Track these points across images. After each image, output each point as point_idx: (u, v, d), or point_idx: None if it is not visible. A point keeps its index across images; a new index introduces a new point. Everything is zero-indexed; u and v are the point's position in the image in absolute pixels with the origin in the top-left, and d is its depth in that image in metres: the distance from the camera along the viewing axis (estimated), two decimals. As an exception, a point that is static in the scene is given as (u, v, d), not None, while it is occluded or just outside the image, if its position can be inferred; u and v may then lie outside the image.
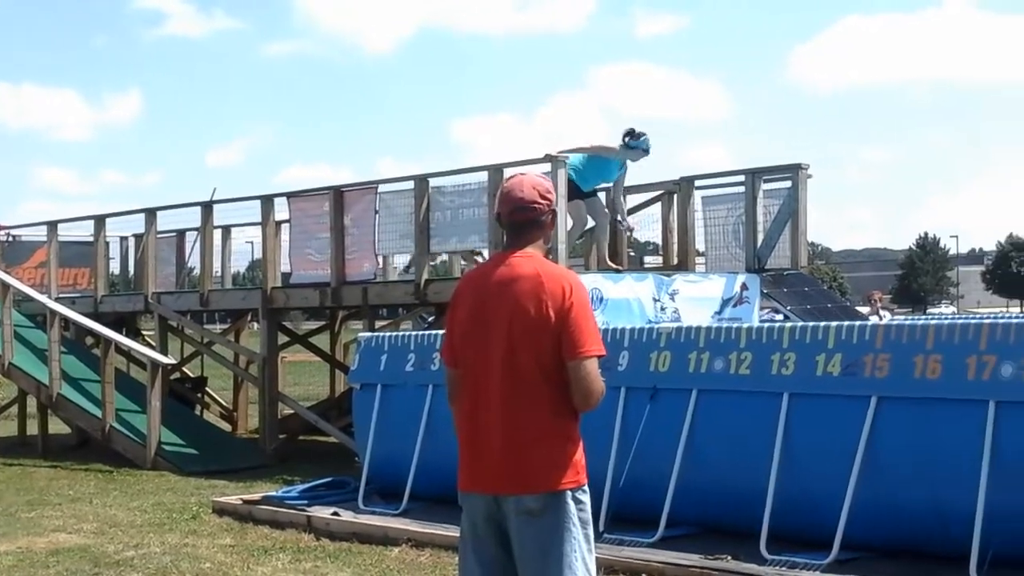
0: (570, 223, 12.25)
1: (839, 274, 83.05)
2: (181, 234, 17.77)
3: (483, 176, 12.63)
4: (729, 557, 7.52)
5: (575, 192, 12.27)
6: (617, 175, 12.67)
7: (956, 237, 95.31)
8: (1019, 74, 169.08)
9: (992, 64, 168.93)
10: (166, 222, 17.30)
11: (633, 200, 14.24)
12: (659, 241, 14.79)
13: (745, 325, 9.05)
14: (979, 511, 6.79)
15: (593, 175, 12.46)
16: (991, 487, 6.82)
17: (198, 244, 16.62)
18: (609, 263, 12.85)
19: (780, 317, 13.32)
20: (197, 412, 17.86)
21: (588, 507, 4.28)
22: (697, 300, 12.45)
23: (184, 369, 18.71)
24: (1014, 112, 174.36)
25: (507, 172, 12.03)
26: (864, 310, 18.86)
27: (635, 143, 12.28)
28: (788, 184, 13.16)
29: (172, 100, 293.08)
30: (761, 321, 12.38)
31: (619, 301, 11.85)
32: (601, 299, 11.57)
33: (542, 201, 4.35)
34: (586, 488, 4.27)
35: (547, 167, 11.68)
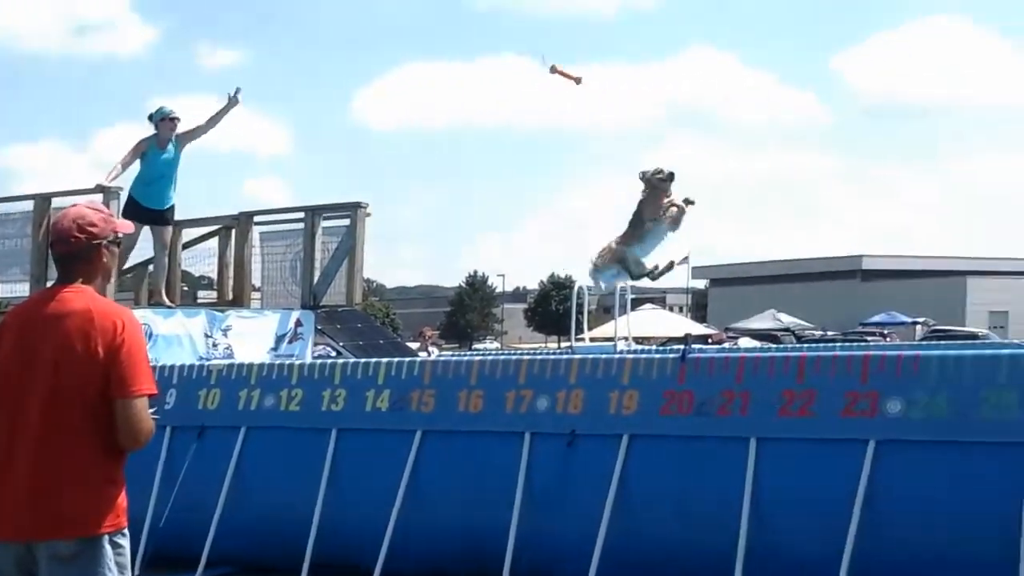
0: None
1: (392, 311, 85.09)
2: None
3: (28, 205, 11.98)
4: (271, 594, 7.54)
5: (147, 215, 11.79)
6: (175, 160, 12.14)
7: (503, 276, 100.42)
8: (560, 122, 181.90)
9: (537, 113, 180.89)
10: None
11: (189, 234, 13.96)
12: (214, 276, 14.57)
13: (297, 362, 9.11)
14: (511, 535, 7.18)
15: (155, 184, 11.91)
16: (524, 515, 7.23)
17: None
18: (162, 298, 12.50)
19: (334, 353, 13.50)
20: None
21: (127, 551, 4.15)
22: (251, 336, 12.37)
23: None
24: (555, 159, 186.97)
25: (56, 202, 11.50)
26: (414, 346, 19.47)
27: (154, 118, 11.94)
28: (347, 222, 13.37)
29: None
30: (316, 357, 12.50)
31: (170, 337, 11.58)
32: (151, 335, 11.25)
33: (79, 235, 4.16)
34: (126, 531, 4.15)
35: (99, 197, 11.22)
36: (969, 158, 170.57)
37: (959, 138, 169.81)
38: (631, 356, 8.21)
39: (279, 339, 12.66)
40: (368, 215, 13.44)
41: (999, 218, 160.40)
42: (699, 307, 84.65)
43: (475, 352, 28.80)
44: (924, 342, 26.76)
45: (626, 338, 17.71)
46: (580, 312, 19.04)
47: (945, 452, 6.37)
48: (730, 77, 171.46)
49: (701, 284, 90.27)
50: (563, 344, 54.07)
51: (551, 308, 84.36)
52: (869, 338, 36.42)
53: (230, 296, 13.80)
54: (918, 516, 6.38)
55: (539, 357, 8.23)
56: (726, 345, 27.54)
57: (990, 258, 78.14)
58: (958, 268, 72.68)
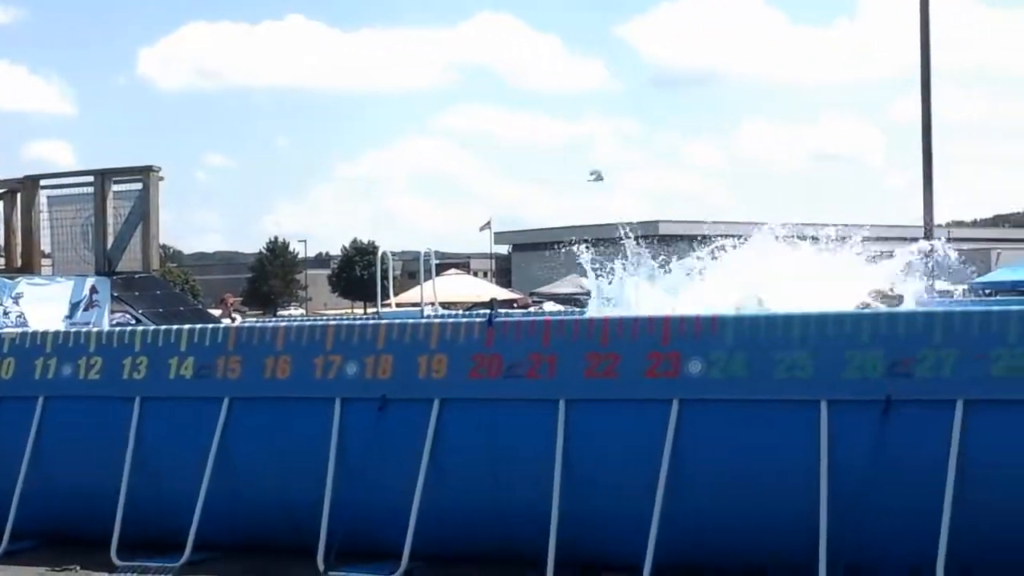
0: None
1: (191, 277, 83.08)
2: None
3: None
4: (78, 567, 7.34)
5: None
6: None
7: (304, 241, 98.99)
8: (352, 86, 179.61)
9: (328, 76, 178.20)
10: None
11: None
12: (1, 242, 14.01)
13: (95, 329, 8.84)
14: (326, 504, 7.13)
15: None
16: (337, 481, 7.19)
17: None
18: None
19: (134, 321, 13.17)
20: None
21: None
22: (44, 304, 12.00)
23: None
24: (348, 123, 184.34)
25: None
26: (217, 312, 19.11)
27: None
28: (139, 186, 13.05)
29: None
30: (113, 325, 12.16)
31: (-44, 305, 11.14)
32: (-64, 303, 10.79)
33: None
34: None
35: None
36: (746, 126, 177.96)
37: (737, 107, 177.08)
38: (438, 321, 8.23)
39: (74, 306, 12.33)
40: (161, 179, 13.20)
41: (777, 185, 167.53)
42: (503, 272, 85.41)
43: (280, 319, 28.44)
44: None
45: (432, 303, 17.82)
46: (385, 278, 19.04)
47: (745, 410, 6.59)
48: (521, 43, 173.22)
49: (504, 249, 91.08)
50: (370, 310, 53.86)
51: (355, 274, 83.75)
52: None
53: (19, 263, 13.35)
54: (722, 472, 6.59)
55: (346, 323, 8.17)
56: (531, 309, 27.93)
57: (782, 224, 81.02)
58: (750, 233, 75.23)
